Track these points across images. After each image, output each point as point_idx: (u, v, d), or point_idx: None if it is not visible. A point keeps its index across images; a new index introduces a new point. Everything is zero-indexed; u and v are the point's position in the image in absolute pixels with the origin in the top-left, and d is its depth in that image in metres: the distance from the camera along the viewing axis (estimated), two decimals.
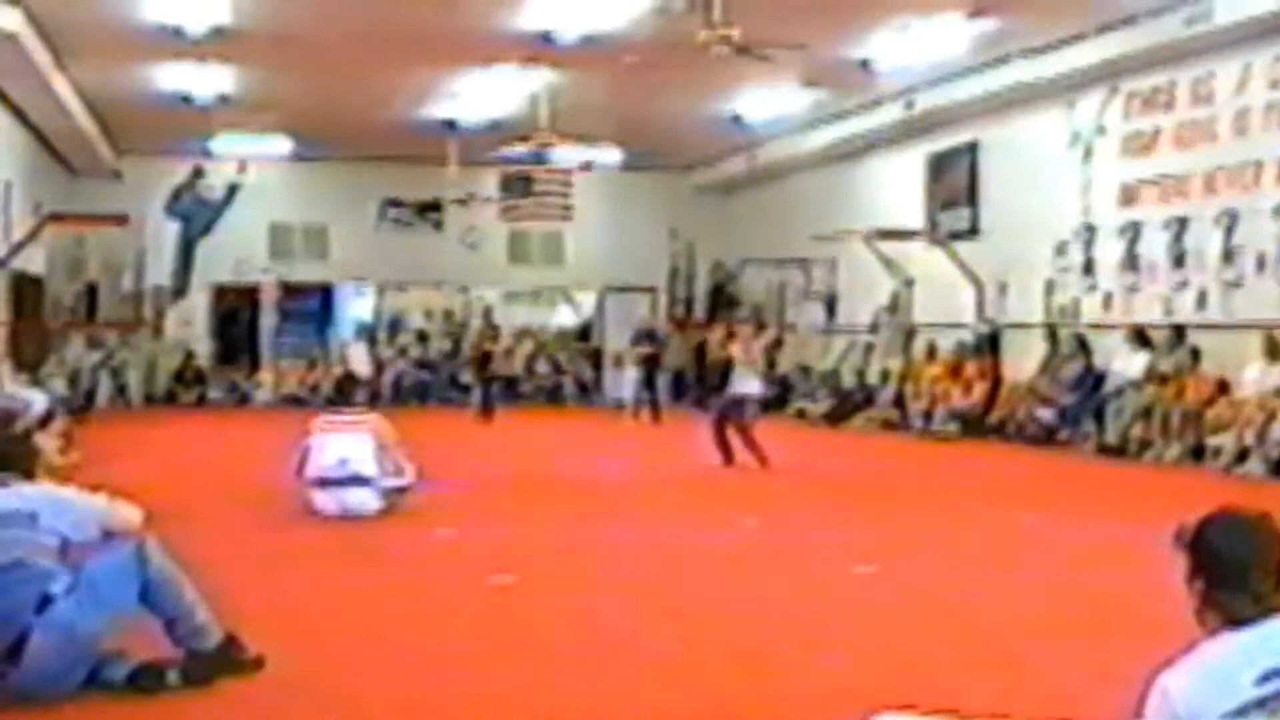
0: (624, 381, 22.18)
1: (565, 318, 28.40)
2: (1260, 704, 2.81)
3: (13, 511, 5.03)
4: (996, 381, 17.92)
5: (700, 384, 24.26)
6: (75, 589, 4.92)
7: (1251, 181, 14.41)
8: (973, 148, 19.34)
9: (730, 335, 16.07)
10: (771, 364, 15.08)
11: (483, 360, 22.05)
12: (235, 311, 26.61)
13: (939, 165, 20.20)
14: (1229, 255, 14.66)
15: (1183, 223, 15.32)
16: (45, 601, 4.88)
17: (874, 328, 21.28)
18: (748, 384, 14.30)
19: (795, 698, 5.11)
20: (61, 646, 4.85)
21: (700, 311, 27.45)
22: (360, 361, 20.36)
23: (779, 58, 13.94)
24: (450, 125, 21.62)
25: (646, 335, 22.35)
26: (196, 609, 5.17)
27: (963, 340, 18.80)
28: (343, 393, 11.26)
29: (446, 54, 17.43)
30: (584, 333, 28.02)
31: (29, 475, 5.28)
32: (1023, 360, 17.61)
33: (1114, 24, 15.19)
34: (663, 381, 22.79)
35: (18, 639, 4.84)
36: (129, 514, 5.26)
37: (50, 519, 5.04)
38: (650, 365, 21.60)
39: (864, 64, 17.14)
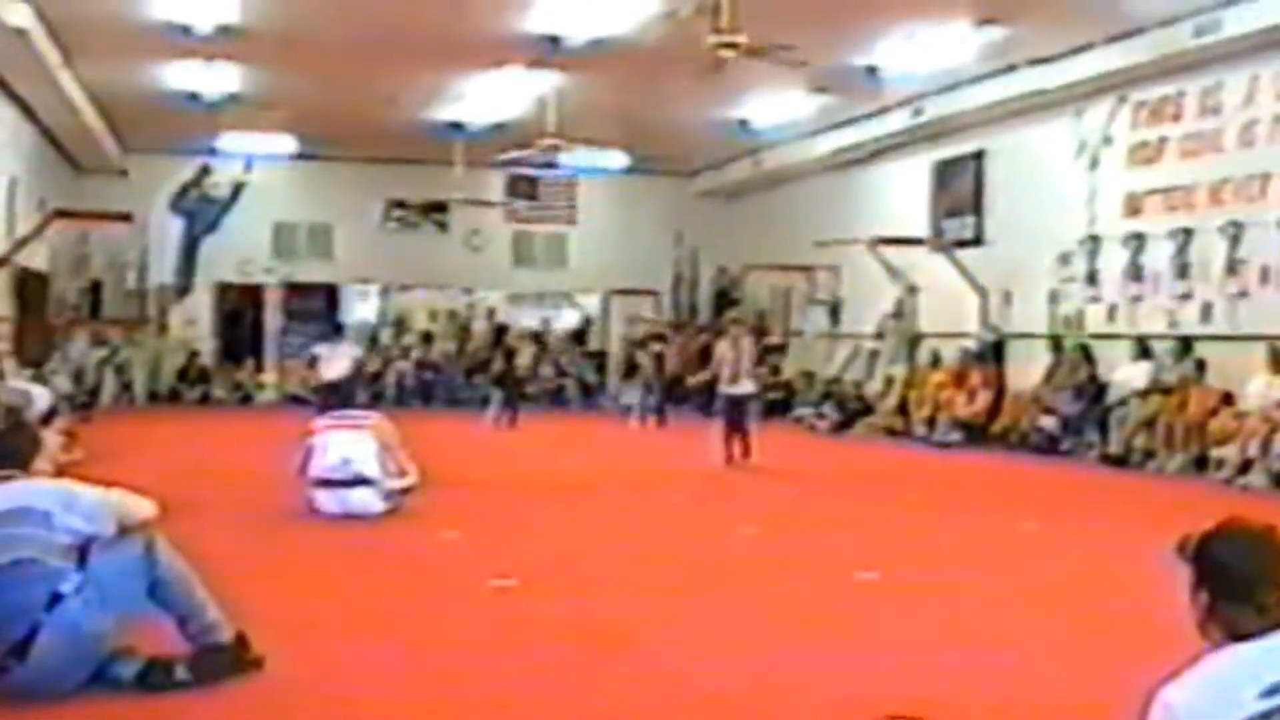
0: (629, 387, 22.03)
1: (569, 321, 28.39)
2: (1265, 718, 2.80)
3: (27, 508, 5.01)
4: (1000, 390, 17.91)
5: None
6: (84, 588, 4.91)
7: (1258, 193, 14.41)
8: (979, 156, 19.35)
9: (719, 334, 16.29)
10: (767, 365, 15.30)
11: (506, 368, 21.70)
12: (239, 311, 26.65)
13: (945, 173, 20.20)
14: (1234, 267, 14.66)
15: (1188, 234, 15.31)
16: (55, 599, 4.87)
17: (879, 335, 21.28)
18: (741, 384, 14.62)
19: (797, 704, 5.11)
20: (69, 645, 4.85)
21: (704, 317, 27.45)
22: (335, 366, 18.98)
23: (785, 62, 13.91)
24: (457, 127, 21.64)
25: (655, 339, 22.33)
26: (208, 606, 5.17)
27: (967, 348, 18.79)
28: (326, 401, 11.15)
29: (454, 56, 17.45)
30: (586, 334, 28.02)
31: (26, 466, 5.25)
32: (1026, 369, 17.60)
33: (1122, 34, 15.19)
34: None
35: (26, 635, 4.83)
36: (143, 506, 5.25)
37: (63, 515, 5.01)
38: (658, 368, 21.57)
39: (871, 71, 17.16)
